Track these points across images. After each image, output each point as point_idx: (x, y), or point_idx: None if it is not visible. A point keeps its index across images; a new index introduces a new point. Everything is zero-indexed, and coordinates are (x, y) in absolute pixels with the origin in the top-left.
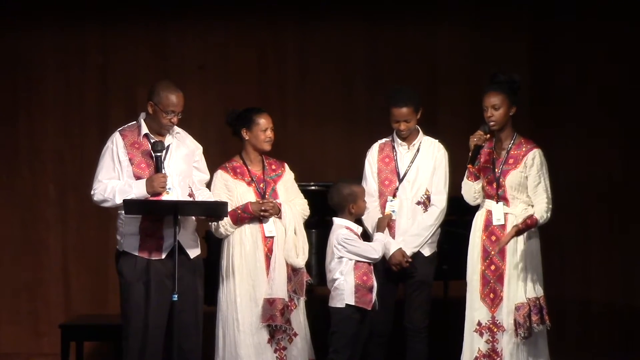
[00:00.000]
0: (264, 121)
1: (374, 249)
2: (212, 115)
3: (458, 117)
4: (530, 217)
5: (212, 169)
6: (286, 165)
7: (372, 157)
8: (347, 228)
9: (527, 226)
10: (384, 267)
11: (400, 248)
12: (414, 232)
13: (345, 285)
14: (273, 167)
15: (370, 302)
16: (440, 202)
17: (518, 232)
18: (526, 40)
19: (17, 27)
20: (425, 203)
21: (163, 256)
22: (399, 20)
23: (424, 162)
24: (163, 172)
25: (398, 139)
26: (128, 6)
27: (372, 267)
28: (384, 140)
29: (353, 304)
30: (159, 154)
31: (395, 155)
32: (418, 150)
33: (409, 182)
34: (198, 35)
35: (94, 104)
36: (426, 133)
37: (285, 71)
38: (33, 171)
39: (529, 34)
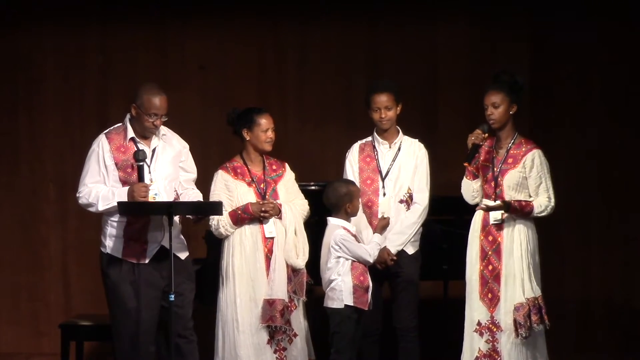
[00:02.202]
0: (265, 121)
1: (369, 253)
2: (212, 115)
3: (458, 117)
4: (527, 201)
5: (212, 169)
6: (287, 166)
7: (353, 157)
8: (344, 228)
9: (520, 207)
10: (368, 266)
11: (385, 246)
12: (398, 230)
13: (343, 286)
14: (274, 167)
15: (367, 302)
16: (422, 200)
17: (508, 206)
18: (526, 40)
19: (17, 27)
20: (408, 201)
21: (147, 260)
22: (399, 20)
23: (405, 160)
24: (148, 180)
25: (379, 138)
26: (128, 6)
27: (367, 267)
28: (364, 140)
29: (352, 304)
30: (141, 163)
31: (377, 154)
32: (399, 149)
33: (391, 181)
34: (198, 35)
35: (94, 104)
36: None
37: (286, 71)
38: (33, 171)
39: (529, 33)
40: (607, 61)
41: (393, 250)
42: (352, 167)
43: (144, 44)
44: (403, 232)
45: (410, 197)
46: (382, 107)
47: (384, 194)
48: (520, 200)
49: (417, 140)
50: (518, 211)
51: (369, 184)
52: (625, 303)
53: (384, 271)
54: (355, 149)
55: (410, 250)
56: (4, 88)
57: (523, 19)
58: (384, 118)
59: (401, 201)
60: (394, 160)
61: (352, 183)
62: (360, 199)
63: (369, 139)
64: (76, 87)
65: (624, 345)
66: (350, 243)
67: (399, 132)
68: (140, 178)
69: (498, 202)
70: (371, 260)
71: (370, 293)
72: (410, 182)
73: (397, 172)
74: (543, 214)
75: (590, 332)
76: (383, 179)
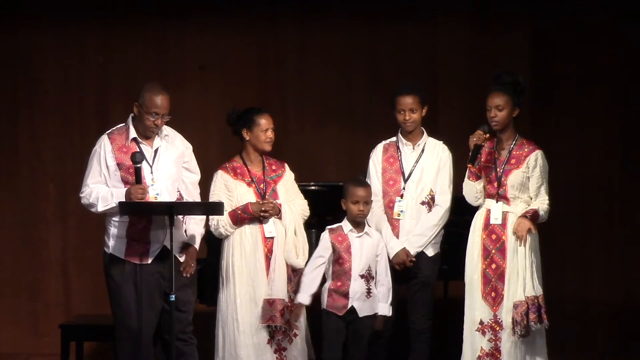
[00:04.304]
0: (264, 121)
1: (308, 268)
2: (212, 116)
3: (458, 117)
4: (531, 209)
5: (212, 169)
6: (286, 166)
7: (377, 157)
8: (334, 228)
9: (534, 215)
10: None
11: (404, 247)
12: (418, 232)
13: (323, 290)
14: (273, 167)
15: (343, 308)
16: (444, 202)
17: (530, 220)
18: (526, 40)
19: (17, 27)
20: (430, 203)
21: (149, 261)
22: (399, 20)
23: (428, 162)
24: (149, 181)
25: (403, 139)
26: (128, 6)
27: (351, 272)
28: (388, 140)
29: (325, 307)
30: (138, 165)
31: (400, 155)
32: (423, 150)
33: (414, 182)
34: (198, 35)
35: (94, 104)
36: (426, 133)
37: (286, 71)
38: (33, 171)
39: (530, 33)
40: (607, 61)
41: (412, 252)
42: (376, 167)
43: (144, 44)
44: (423, 234)
45: (433, 199)
46: (406, 109)
47: (402, 196)
48: (527, 211)
49: (441, 142)
50: (535, 219)
51: (391, 184)
52: (625, 303)
53: (402, 272)
54: (379, 149)
55: (430, 252)
56: (4, 88)
57: (523, 19)
58: (408, 120)
59: (423, 203)
60: (417, 162)
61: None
62: (382, 200)
63: (393, 139)
64: (76, 87)
65: (624, 345)
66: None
67: (423, 133)
68: (138, 180)
69: (526, 223)
70: (300, 264)
71: (352, 299)
72: (432, 184)
73: (420, 173)
74: (544, 218)
75: (590, 332)
76: (405, 181)
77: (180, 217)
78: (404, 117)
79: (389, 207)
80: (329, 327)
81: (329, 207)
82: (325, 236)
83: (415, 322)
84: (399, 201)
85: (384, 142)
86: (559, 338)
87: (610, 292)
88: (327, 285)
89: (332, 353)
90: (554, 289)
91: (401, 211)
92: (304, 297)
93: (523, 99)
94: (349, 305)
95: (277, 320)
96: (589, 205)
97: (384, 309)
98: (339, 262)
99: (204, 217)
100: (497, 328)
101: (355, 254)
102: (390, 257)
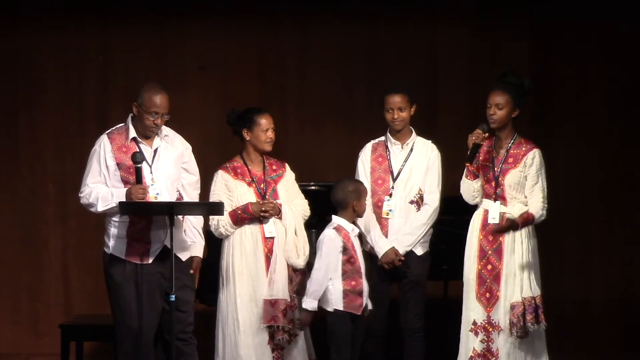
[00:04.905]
0: (265, 121)
1: (318, 276)
2: (212, 116)
3: (458, 117)
4: (527, 212)
5: (212, 169)
6: (287, 166)
7: (365, 157)
8: (337, 228)
9: (524, 220)
10: (376, 266)
11: (393, 247)
12: (407, 231)
13: (332, 290)
14: (274, 167)
15: (360, 307)
16: (433, 201)
17: (514, 225)
18: (527, 40)
19: (17, 27)
20: (418, 202)
21: (150, 260)
22: (399, 21)
23: (417, 161)
24: (149, 181)
25: (392, 138)
26: (128, 6)
27: (362, 271)
28: (377, 140)
29: (341, 309)
30: (138, 165)
31: (389, 154)
32: (411, 149)
33: (403, 182)
34: (198, 35)
35: (94, 104)
36: (426, 133)
37: (286, 71)
38: (33, 171)
39: (530, 34)
40: (607, 61)
41: (401, 251)
42: (364, 166)
43: (144, 44)
44: (412, 233)
45: (421, 198)
46: (395, 107)
47: (391, 195)
48: (522, 214)
49: (430, 141)
50: (524, 225)
51: (380, 184)
52: (625, 303)
53: (392, 271)
54: (367, 149)
55: (419, 251)
56: (4, 88)
57: (523, 19)
58: (397, 119)
59: (412, 202)
60: (405, 161)
61: (360, 182)
62: (371, 199)
63: (382, 138)
64: (76, 87)
65: (624, 345)
66: (325, 247)
67: (412, 132)
68: (138, 180)
69: (507, 219)
70: (314, 277)
71: (365, 296)
72: (421, 183)
73: (409, 172)
74: (540, 218)
75: (590, 332)
76: (394, 180)
77: (180, 217)
78: (392, 116)
79: (377, 207)
80: (343, 330)
81: (329, 207)
82: (332, 237)
83: (407, 321)
84: (388, 200)
85: (372, 142)
86: (559, 338)
87: (610, 292)
88: (339, 285)
89: (345, 356)
90: (553, 289)
91: (390, 210)
92: (315, 304)
93: (526, 102)
94: (364, 304)
95: (279, 321)
96: (589, 205)
97: (370, 302)
98: (350, 261)
99: (202, 226)
100: (490, 329)
101: (358, 252)
102: (379, 257)
